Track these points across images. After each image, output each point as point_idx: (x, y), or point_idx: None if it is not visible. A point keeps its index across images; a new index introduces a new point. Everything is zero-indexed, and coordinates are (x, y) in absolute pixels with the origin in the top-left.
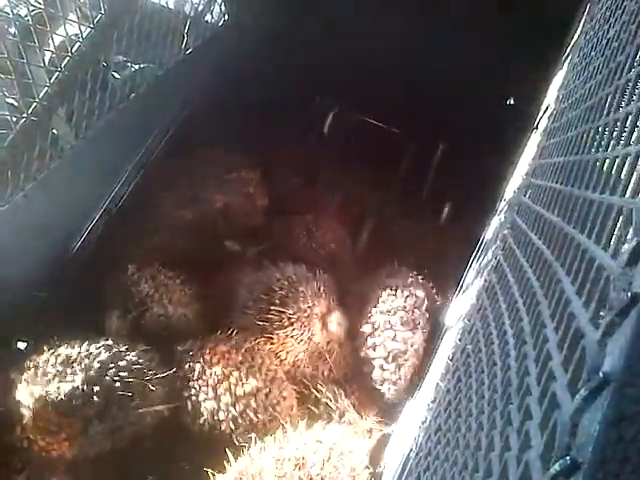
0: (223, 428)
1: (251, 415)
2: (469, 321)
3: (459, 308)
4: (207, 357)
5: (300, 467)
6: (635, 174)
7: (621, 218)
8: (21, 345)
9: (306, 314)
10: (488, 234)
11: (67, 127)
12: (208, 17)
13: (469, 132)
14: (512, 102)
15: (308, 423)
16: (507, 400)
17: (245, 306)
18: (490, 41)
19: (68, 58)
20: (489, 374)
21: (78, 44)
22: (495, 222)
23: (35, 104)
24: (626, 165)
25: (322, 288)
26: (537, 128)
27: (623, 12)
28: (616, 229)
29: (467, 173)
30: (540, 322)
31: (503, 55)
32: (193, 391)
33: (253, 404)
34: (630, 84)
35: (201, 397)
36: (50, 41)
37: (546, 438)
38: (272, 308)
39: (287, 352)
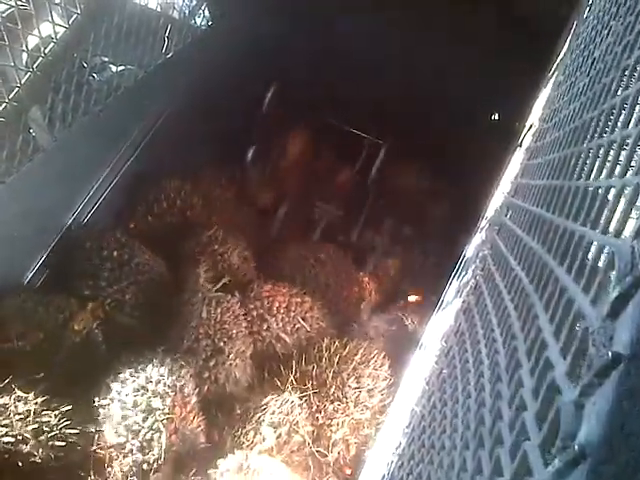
0: None
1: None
2: (446, 343)
3: (437, 327)
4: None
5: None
6: (619, 210)
7: (602, 258)
8: None
9: None
10: (469, 252)
11: (43, 129)
12: (191, 21)
13: (454, 147)
14: (497, 117)
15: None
16: (479, 442)
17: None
18: (476, 56)
19: (41, 59)
20: (463, 406)
21: (52, 44)
22: (476, 240)
23: (5, 104)
24: (610, 198)
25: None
26: (521, 145)
27: (609, 33)
28: (598, 270)
29: (451, 188)
30: (516, 360)
31: (489, 70)
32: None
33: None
34: (615, 110)
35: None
36: (23, 41)
37: None
38: None
39: None
